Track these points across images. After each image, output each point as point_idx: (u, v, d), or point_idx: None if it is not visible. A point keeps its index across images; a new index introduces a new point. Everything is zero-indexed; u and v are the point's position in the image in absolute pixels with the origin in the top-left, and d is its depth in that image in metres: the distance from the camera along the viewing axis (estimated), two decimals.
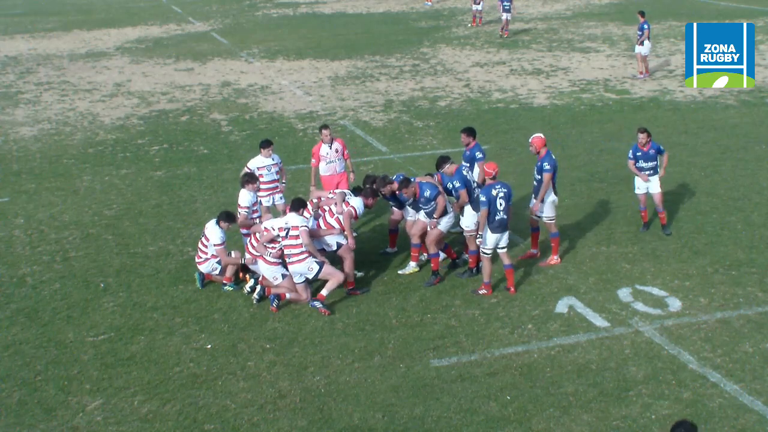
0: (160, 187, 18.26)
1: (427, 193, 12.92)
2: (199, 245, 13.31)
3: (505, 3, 35.50)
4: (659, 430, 9.24)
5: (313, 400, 10.13)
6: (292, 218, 12.43)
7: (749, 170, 17.83)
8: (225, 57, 34.47)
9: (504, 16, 36.05)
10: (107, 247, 15.03)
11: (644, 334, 11.32)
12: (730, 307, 11.96)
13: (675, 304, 12.13)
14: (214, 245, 13.05)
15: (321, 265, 12.35)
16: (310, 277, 12.31)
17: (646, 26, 26.89)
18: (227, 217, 13.23)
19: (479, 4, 39.90)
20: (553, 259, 13.65)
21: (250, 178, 13.60)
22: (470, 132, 14.49)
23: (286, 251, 12.42)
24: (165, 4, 55.35)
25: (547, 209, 13.54)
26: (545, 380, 10.32)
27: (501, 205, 12.46)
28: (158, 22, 46.34)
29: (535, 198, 13.55)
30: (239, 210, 13.42)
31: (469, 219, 13.07)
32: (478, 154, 14.21)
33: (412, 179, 13.27)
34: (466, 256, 13.63)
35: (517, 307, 12.20)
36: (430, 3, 50.07)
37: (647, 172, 14.45)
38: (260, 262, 12.66)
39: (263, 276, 12.85)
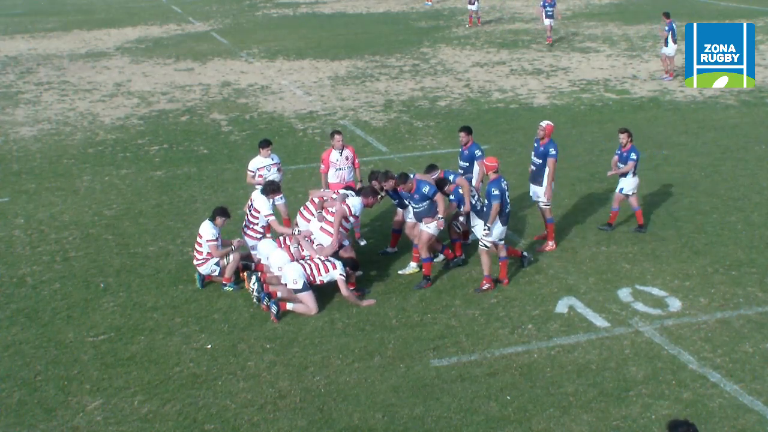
0: (160, 187, 18.27)
1: (425, 189, 12.80)
2: (195, 246, 13.31)
3: (548, 9, 33.47)
4: (659, 430, 9.24)
5: (313, 400, 10.13)
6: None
7: (749, 170, 17.83)
8: (225, 57, 34.48)
9: (547, 22, 33.70)
10: (107, 247, 15.03)
11: (644, 334, 11.31)
12: (730, 307, 11.96)
13: (675, 304, 12.12)
14: (207, 241, 13.06)
15: (305, 287, 12.24)
16: (291, 287, 12.23)
17: (674, 25, 26.62)
18: (222, 212, 13.25)
19: (474, 4, 39.82)
20: (548, 245, 13.90)
21: (274, 189, 13.48)
22: (470, 130, 14.50)
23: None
24: (165, 4, 55.36)
25: (541, 193, 13.95)
26: (545, 380, 10.32)
27: (508, 197, 12.74)
28: (158, 22, 46.35)
29: (539, 184, 14.07)
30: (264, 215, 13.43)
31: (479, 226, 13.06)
32: (477, 152, 14.24)
33: (412, 175, 13.25)
34: (461, 258, 13.68)
35: (517, 307, 12.20)
36: (430, 3, 50.09)
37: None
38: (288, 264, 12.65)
39: (263, 275, 12.87)
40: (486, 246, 12.57)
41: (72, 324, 12.26)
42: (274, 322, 11.98)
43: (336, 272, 12.40)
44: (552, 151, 13.90)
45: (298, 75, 30.22)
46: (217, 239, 13.08)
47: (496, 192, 12.39)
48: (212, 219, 13.21)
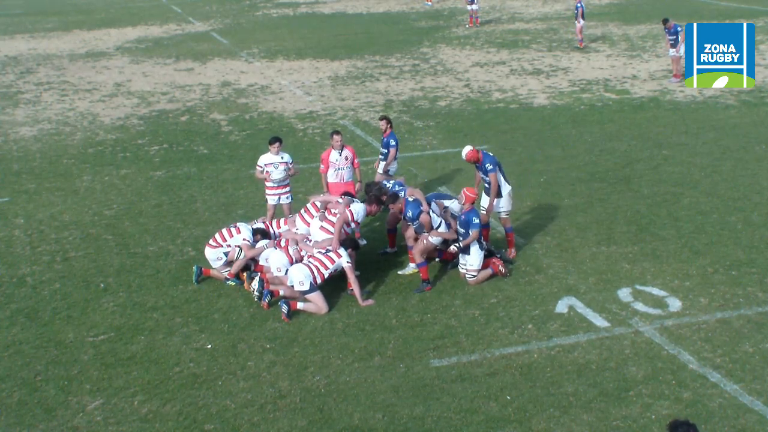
0: (160, 187, 18.27)
1: (409, 214, 13.03)
2: (223, 232, 13.39)
3: (575, 11, 32.95)
4: (659, 430, 9.24)
5: (313, 400, 10.13)
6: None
7: (749, 170, 17.83)
8: (225, 57, 34.48)
9: (580, 23, 32.83)
10: (107, 247, 15.03)
11: (644, 334, 11.31)
12: (730, 307, 11.96)
13: (675, 304, 12.12)
14: (243, 239, 13.19)
15: (313, 288, 12.26)
16: (298, 288, 12.24)
17: (679, 28, 26.31)
18: (263, 234, 13.47)
19: (474, 4, 39.82)
20: (511, 252, 13.87)
21: (263, 234, 13.63)
22: (389, 119, 15.64)
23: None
24: (165, 4, 55.36)
25: (504, 203, 13.82)
26: (545, 380, 10.32)
27: None
28: (158, 22, 46.36)
29: (499, 196, 13.82)
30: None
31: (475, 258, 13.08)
32: (392, 142, 15.27)
33: (401, 194, 13.31)
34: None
35: (517, 307, 12.20)
36: (430, 3, 50.09)
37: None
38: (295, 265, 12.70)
39: (262, 274, 12.88)
40: (473, 276, 12.89)
41: (72, 324, 12.26)
42: (286, 321, 11.97)
43: (342, 260, 12.47)
44: (489, 167, 13.55)
45: (298, 75, 30.22)
46: (251, 241, 13.28)
47: (476, 221, 12.82)
48: (254, 233, 13.40)
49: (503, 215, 13.97)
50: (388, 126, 15.56)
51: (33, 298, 13.14)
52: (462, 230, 13.00)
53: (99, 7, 54.56)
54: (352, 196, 13.87)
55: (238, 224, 13.54)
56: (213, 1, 55.67)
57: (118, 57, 35.55)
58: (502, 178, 13.74)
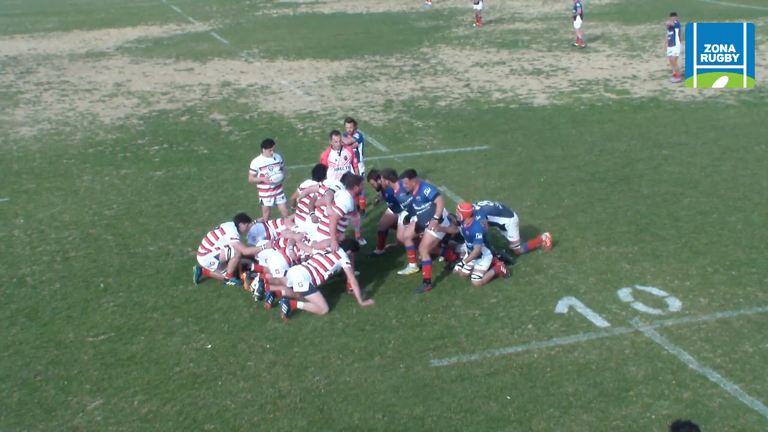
0: (160, 187, 18.27)
1: (427, 191, 12.93)
2: (209, 236, 13.41)
3: (573, 11, 32.97)
4: (659, 430, 9.24)
5: (313, 400, 10.13)
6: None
7: (749, 170, 17.82)
8: (225, 57, 34.49)
9: (578, 23, 32.82)
10: (107, 247, 15.03)
11: (644, 334, 11.31)
12: (730, 307, 11.96)
13: (675, 304, 12.12)
14: (231, 238, 13.21)
15: (312, 289, 12.26)
16: (297, 290, 12.23)
17: (677, 26, 26.32)
18: (245, 218, 13.48)
19: (478, 3, 39.87)
20: (544, 242, 13.96)
21: (245, 220, 13.62)
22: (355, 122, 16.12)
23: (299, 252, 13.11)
24: (165, 4, 55.38)
25: (513, 232, 13.78)
26: (545, 380, 10.32)
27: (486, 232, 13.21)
28: (158, 22, 46.37)
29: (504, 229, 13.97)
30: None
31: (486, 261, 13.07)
32: (356, 135, 15.97)
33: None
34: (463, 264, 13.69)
35: (517, 307, 12.20)
36: (430, 3, 50.10)
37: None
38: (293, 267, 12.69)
39: (262, 275, 12.87)
40: (478, 277, 12.88)
41: (72, 324, 12.26)
42: (285, 321, 11.97)
43: (342, 261, 12.46)
44: (478, 235, 13.20)
45: (298, 75, 30.22)
46: (239, 238, 13.33)
47: (479, 236, 12.83)
48: (236, 224, 13.41)
49: (514, 247, 13.85)
50: (354, 128, 15.81)
51: (33, 298, 13.14)
52: (469, 243, 13.04)
53: (99, 7, 54.59)
54: (325, 169, 14.02)
55: (222, 225, 13.55)
56: (213, 1, 55.69)
57: (118, 57, 35.56)
58: (499, 218, 13.72)
